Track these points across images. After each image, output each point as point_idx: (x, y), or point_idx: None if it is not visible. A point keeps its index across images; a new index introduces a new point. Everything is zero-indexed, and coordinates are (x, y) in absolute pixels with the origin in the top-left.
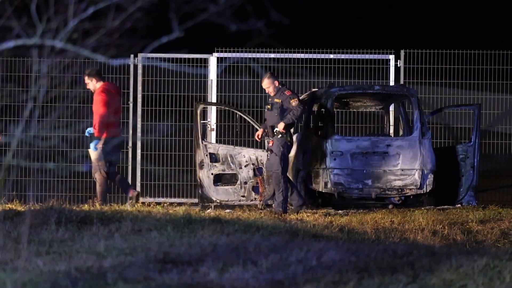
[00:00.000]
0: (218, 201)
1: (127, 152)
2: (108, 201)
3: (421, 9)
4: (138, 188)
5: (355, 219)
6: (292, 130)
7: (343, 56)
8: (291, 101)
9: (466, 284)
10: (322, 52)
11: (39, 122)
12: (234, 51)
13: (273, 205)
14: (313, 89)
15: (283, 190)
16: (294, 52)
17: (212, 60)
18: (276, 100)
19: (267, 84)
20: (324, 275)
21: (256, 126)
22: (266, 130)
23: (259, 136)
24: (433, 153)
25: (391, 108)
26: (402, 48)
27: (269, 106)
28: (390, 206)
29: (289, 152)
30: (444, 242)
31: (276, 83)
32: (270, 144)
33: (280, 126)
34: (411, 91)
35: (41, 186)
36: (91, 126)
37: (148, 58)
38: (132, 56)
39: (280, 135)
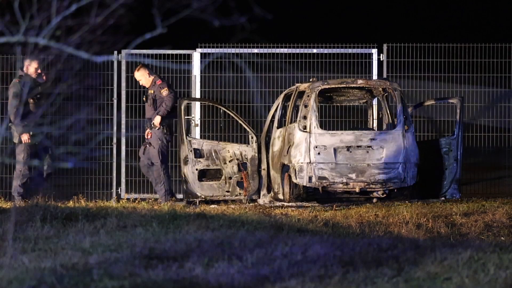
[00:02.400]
0: (203, 196)
1: (111, 149)
2: None
3: (404, 3)
4: (123, 185)
5: (339, 213)
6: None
7: (326, 51)
8: (161, 91)
9: (451, 276)
10: (305, 47)
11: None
12: (217, 47)
13: (159, 199)
14: (297, 84)
15: (164, 182)
16: (277, 47)
17: (196, 55)
18: (150, 91)
19: (139, 77)
20: (309, 270)
21: (240, 121)
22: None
23: (149, 136)
24: (416, 146)
25: (374, 102)
26: (385, 42)
27: (144, 99)
28: (374, 200)
29: (168, 143)
30: (428, 235)
31: (147, 74)
32: (149, 137)
33: (156, 121)
34: (394, 84)
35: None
36: (75, 122)
37: (132, 54)
38: (115, 52)
39: (157, 128)
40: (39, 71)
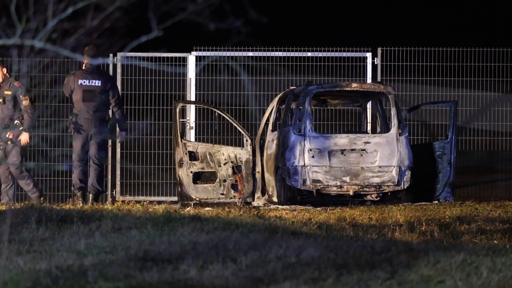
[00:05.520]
0: (197, 199)
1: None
2: None
3: (398, 7)
4: (118, 187)
5: (333, 216)
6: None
7: (320, 54)
8: (22, 99)
9: (444, 279)
10: (300, 50)
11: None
12: (212, 50)
13: (29, 194)
14: (291, 87)
15: (28, 177)
16: (272, 50)
17: (191, 58)
18: (6, 92)
19: None
20: (303, 272)
21: (235, 124)
22: (5, 123)
23: (11, 136)
24: (410, 150)
25: (369, 105)
26: (379, 46)
27: (0, 100)
28: (368, 203)
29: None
30: (421, 238)
31: (5, 70)
32: (10, 136)
33: (24, 138)
34: (388, 88)
35: None
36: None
37: (127, 57)
38: (111, 55)
39: (20, 128)
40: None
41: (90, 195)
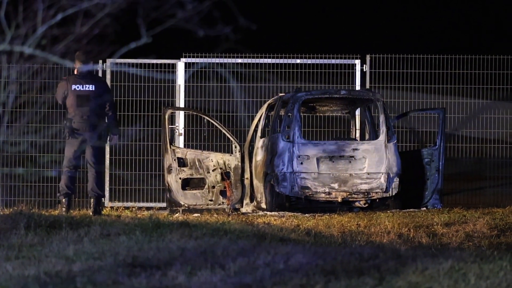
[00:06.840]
0: (186, 205)
1: None
2: None
3: (386, 14)
4: (107, 193)
5: (321, 222)
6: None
7: (309, 61)
8: None
9: (432, 286)
10: (289, 57)
11: (8, 128)
12: (201, 57)
13: None
14: (280, 94)
15: None
16: (261, 57)
17: (180, 65)
18: None
19: None
20: (292, 278)
21: (224, 131)
22: None
23: None
24: (398, 156)
25: (357, 112)
26: (368, 53)
27: None
28: (357, 210)
29: None
30: (409, 245)
31: None
32: None
33: None
34: (376, 95)
35: (10, 191)
36: (60, 131)
37: (117, 63)
38: (100, 61)
39: None
40: None
41: (92, 200)
